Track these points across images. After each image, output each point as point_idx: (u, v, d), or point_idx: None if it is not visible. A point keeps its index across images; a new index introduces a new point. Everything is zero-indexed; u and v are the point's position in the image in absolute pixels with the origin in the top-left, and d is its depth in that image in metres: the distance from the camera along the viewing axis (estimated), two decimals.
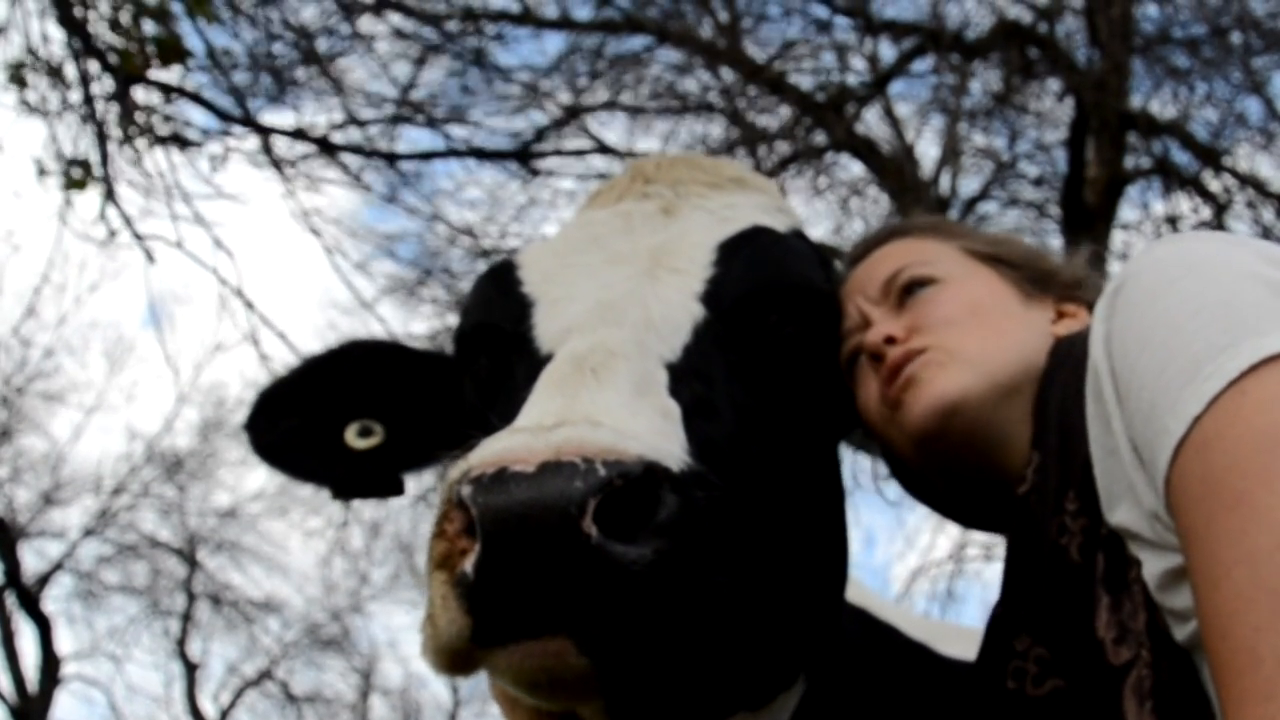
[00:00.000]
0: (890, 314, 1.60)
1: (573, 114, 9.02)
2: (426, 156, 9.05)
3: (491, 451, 1.09)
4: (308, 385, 1.81)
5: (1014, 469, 1.45)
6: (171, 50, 7.04)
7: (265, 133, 8.02)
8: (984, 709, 1.41)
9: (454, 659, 1.10)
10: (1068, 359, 1.43)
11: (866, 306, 1.62)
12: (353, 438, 1.75)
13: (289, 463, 1.78)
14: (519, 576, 1.03)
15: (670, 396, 1.28)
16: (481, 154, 8.88)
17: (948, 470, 1.53)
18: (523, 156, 8.99)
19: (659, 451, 1.11)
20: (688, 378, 1.33)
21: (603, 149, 9.17)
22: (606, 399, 1.19)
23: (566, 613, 1.04)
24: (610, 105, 9.08)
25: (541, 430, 1.10)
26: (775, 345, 1.50)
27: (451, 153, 8.92)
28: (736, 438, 1.34)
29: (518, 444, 1.08)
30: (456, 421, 1.71)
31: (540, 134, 9.08)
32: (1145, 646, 1.21)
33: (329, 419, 1.77)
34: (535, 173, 9.13)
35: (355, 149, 8.66)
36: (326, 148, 8.39)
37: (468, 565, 1.05)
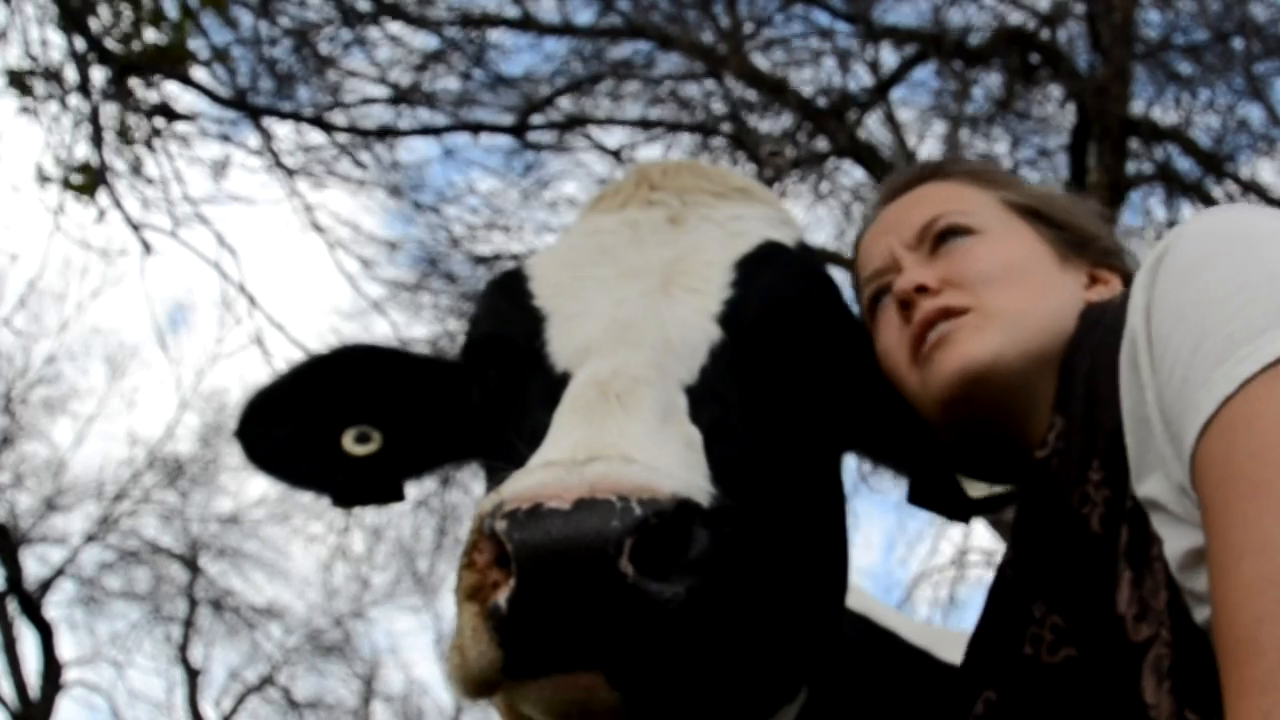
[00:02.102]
0: (922, 261, 1.56)
1: (575, 86, 8.99)
2: (423, 133, 9.01)
3: (525, 486, 1.09)
4: (300, 391, 1.77)
5: (1036, 434, 1.42)
6: (173, 54, 7.07)
7: (260, 113, 8.02)
8: (998, 673, 1.38)
9: (481, 688, 1.11)
10: (1097, 326, 1.39)
11: (899, 249, 1.58)
12: (350, 444, 1.73)
13: (284, 470, 1.75)
14: (553, 612, 1.04)
15: (691, 422, 1.28)
16: (480, 128, 8.83)
17: (967, 430, 1.50)
18: (520, 130, 8.95)
19: (691, 487, 1.11)
20: (705, 401, 1.33)
21: (603, 123, 9.13)
22: (634, 429, 1.19)
23: (599, 648, 1.05)
24: (614, 96, 9.04)
25: (575, 465, 1.10)
26: (790, 368, 1.49)
27: (449, 128, 8.89)
28: (753, 463, 1.34)
29: (551, 479, 1.08)
30: (456, 429, 1.71)
31: (536, 107, 9.04)
32: (1165, 625, 1.18)
33: (325, 425, 1.74)
34: (532, 146, 9.09)
35: (352, 129, 8.66)
36: (323, 127, 8.38)
37: (501, 599, 1.05)
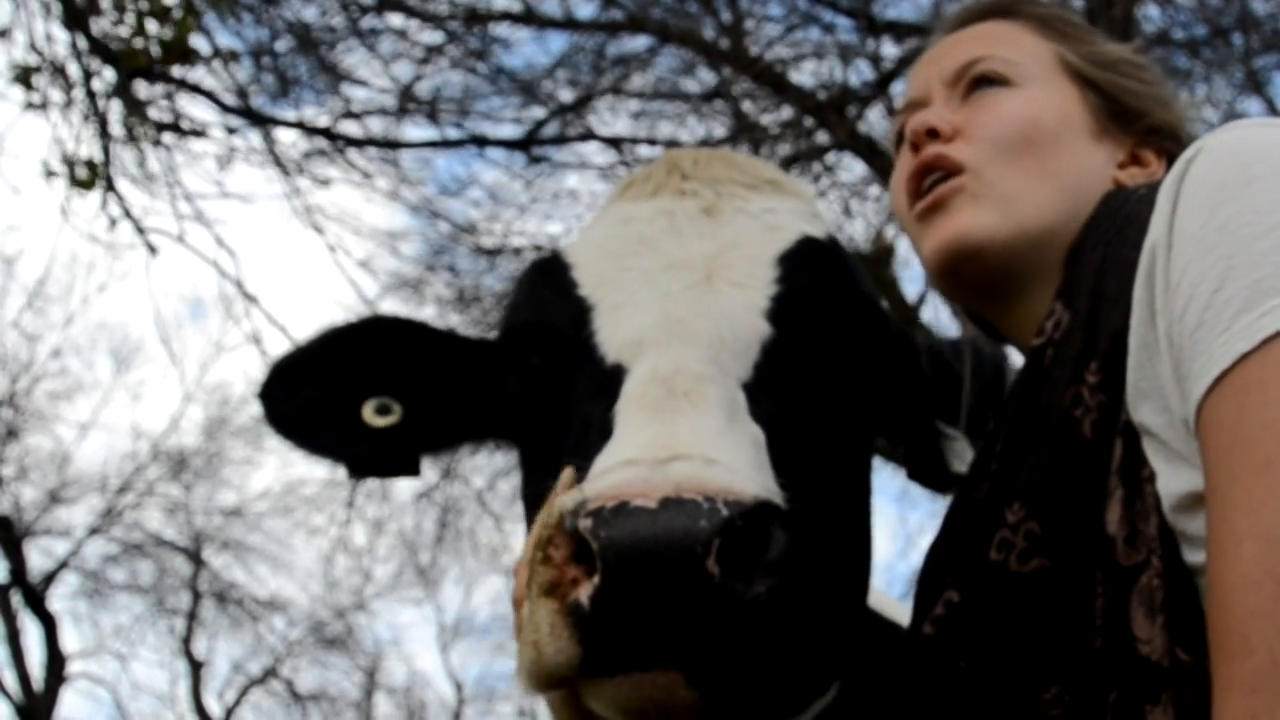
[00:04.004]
0: (953, 102, 1.50)
1: (581, 103, 9.03)
2: (429, 145, 9.09)
3: (608, 484, 1.09)
4: (326, 357, 1.77)
5: (1028, 319, 1.38)
6: (176, 50, 7.10)
7: (266, 123, 8.07)
8: (962, 574, 1.33)
9: (554, 684, 1.12)
10: (1116, 215, 1.32)
11: (935, 84, 1.53)
12: (370, 415, 1.72)
13: (302, 435, 1.74)
14: (638, 611, 1.04)
15: (753, 421, 1.29)
16: (484, 142, 8.89)
17: (959, 300, 1.50)
18: (526, 144, 9.00)
19: (769, 489, 1.14)
20: (760, 399, 1.34)
21: (608, 141, 9.19)
22: (706, 429, 1.20)
23: (680, 647, 1.05)
24: (616, 91, 9.07)
25: (657, 464, 1.11)
26: (834, 365, 1.50)
27: (454, 142, 8.95)
28: (804, 460, 1.35)
29: (635, 477, 1.09)
30: (480, 408, 1.71)
31: (543, 123, 9.10)
32: (1156, 554, 1.13)
33: (347, 393, 1.73)
34: (538, 159, 9.13)
35: (357, 140, 8.70)
36: (328, 136, 8.43)
37: (583, 596, 1.06)
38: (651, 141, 9.10)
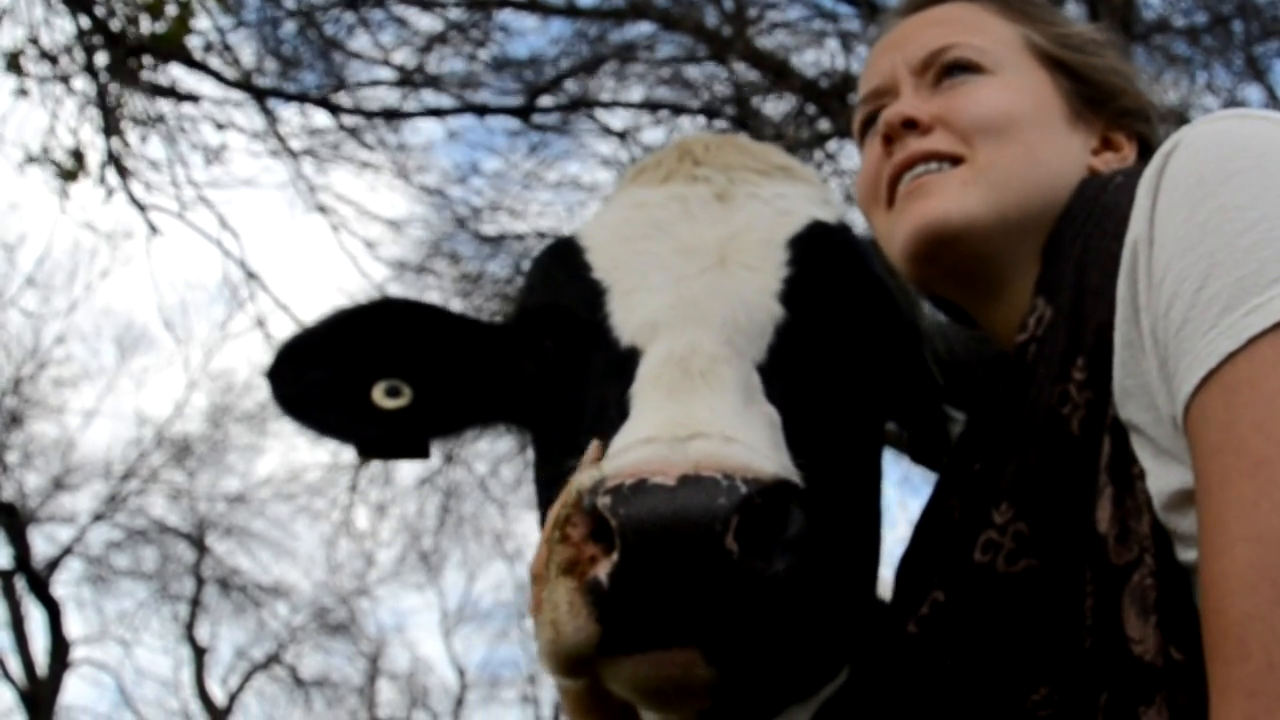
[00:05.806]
0: (922, 90, 1.46)
1: (583, 68, 9.04)
2: (429, 114, 9.11)
3: (627, 462, 1.10)
4: (336, 338, 1.75)
5: (1006, 311, 1.37)
6: (171, 41, 7.10)
7: (265, 95, 8.08)
8: (946, 575, 1.32)
9: (574, 664, 1.12)
10: (1095, 206, 1.29)
11: (902, 71, 1.48)
12: (380, 397, 1.71)
13: (311, 416, 1.73)
14: (656, 588, 1.04)
15: (769, 402, 1.30)
16: (485, 110, 8.92)
17: (932, 289, 1.48)
18: (527, 112, 9.02)
19: (787, 468, 1.14)
20: (774, 380, 1.35)
21: (609, 105, 9.22)
22: (723, 408, 1.20)
23: (699, 624, 1.06)
24: (621, 60, 9.07)
25: (676, 442, 1.11)
26: (845, 346, 1.50)
27: (455, 110, 8.99)
28: (818, 441, 1.35)
29: (654, 455, 1.09)
30: (490, 391, 1.72)
31: (543, 89, 9.13)
32: (1149, 552, 1.12)
33: (357, 375, 1.72)
34: (537, 127, 9.15)
35: (358, 111, 8.71)
36: (330, 109, 8.44)
37: (601, 573, 1.06)
38: (654, 105, 9.10)
